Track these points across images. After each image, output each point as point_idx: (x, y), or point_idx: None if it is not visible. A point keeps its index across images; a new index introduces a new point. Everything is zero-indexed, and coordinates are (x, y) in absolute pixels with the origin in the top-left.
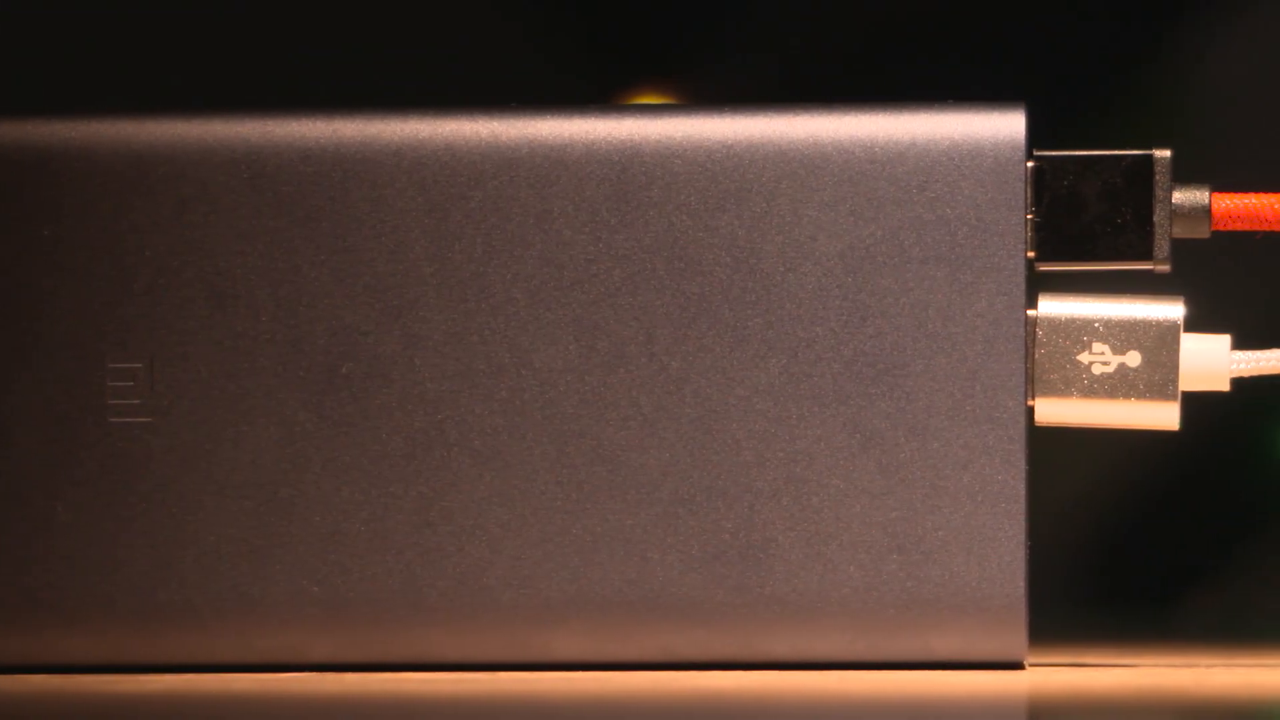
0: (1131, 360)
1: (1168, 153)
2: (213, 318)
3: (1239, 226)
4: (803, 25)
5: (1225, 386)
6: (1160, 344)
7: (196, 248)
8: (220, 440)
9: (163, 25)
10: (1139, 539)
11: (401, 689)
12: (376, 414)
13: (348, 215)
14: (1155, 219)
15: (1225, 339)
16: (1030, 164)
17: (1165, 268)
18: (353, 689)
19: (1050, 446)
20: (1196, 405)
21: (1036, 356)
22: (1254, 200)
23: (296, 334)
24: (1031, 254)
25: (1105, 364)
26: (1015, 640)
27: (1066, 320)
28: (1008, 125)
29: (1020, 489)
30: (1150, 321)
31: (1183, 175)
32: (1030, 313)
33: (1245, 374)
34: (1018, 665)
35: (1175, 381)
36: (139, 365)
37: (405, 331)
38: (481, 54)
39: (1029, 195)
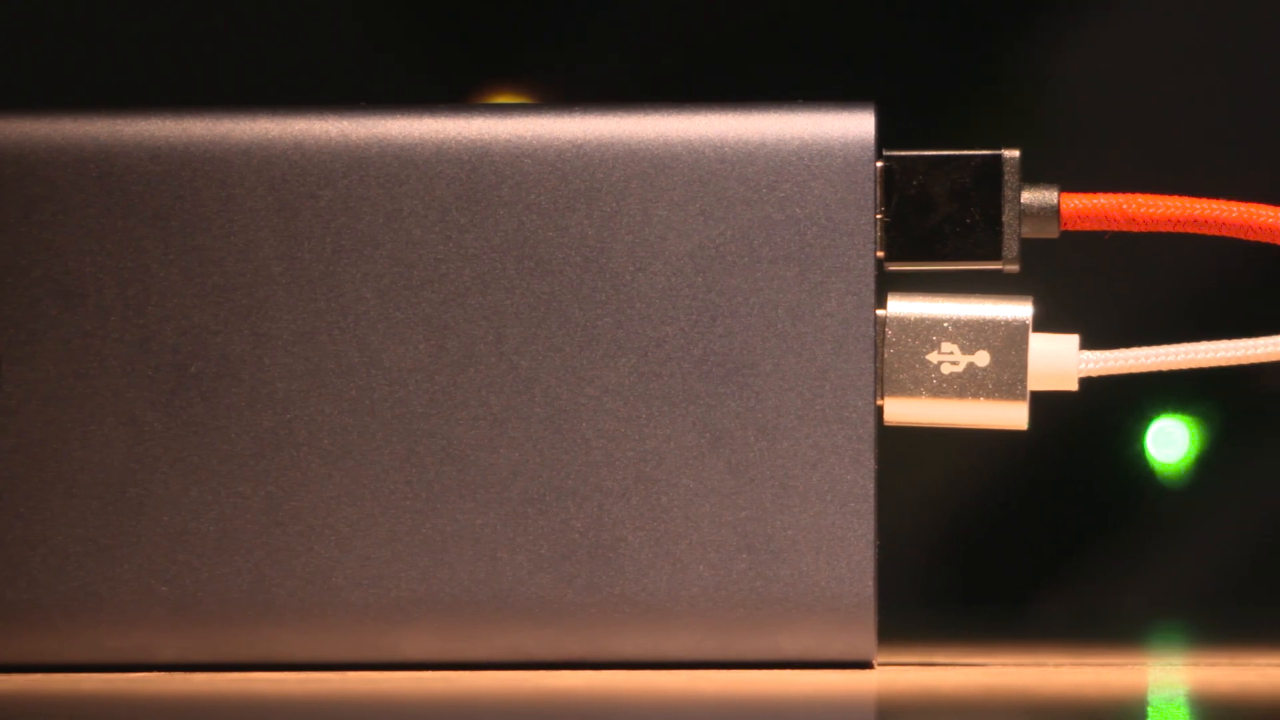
0: (980, 360)
1: (1016, 153)
2: (61, 317)
3: (1088, 226)
4: (654, 25)
5: (1074, 386)
6: (1009, 344)
7: (45, 247)
8: (68, 439)
9: (7, 23)
10: (989, 538)
11: (250, 689)
12: (225, 413)
13: (197, 214)
14: (1004, 219)
15: (1073, 339)
16: (880, 164)
17: (1014, 267)
18: (201, 689)
19: (901, 446)
20: (1045, 405)
21: (885, 356)
22: (1103, 200)
23: (145, 333)
24: (881, 254)
25: (954, 364)
26: (864, 639)
27: (915, 320)
28: (857, 125)
29: (869, 488)
30: (999, 321)
31: (1032, 175)
32: (879, 312)
33: (1093, 374)
34: (866, 665)
35: (1024, 381)
36: None
37: (254, 331)
38: (333, 53)
39: (878, 195)
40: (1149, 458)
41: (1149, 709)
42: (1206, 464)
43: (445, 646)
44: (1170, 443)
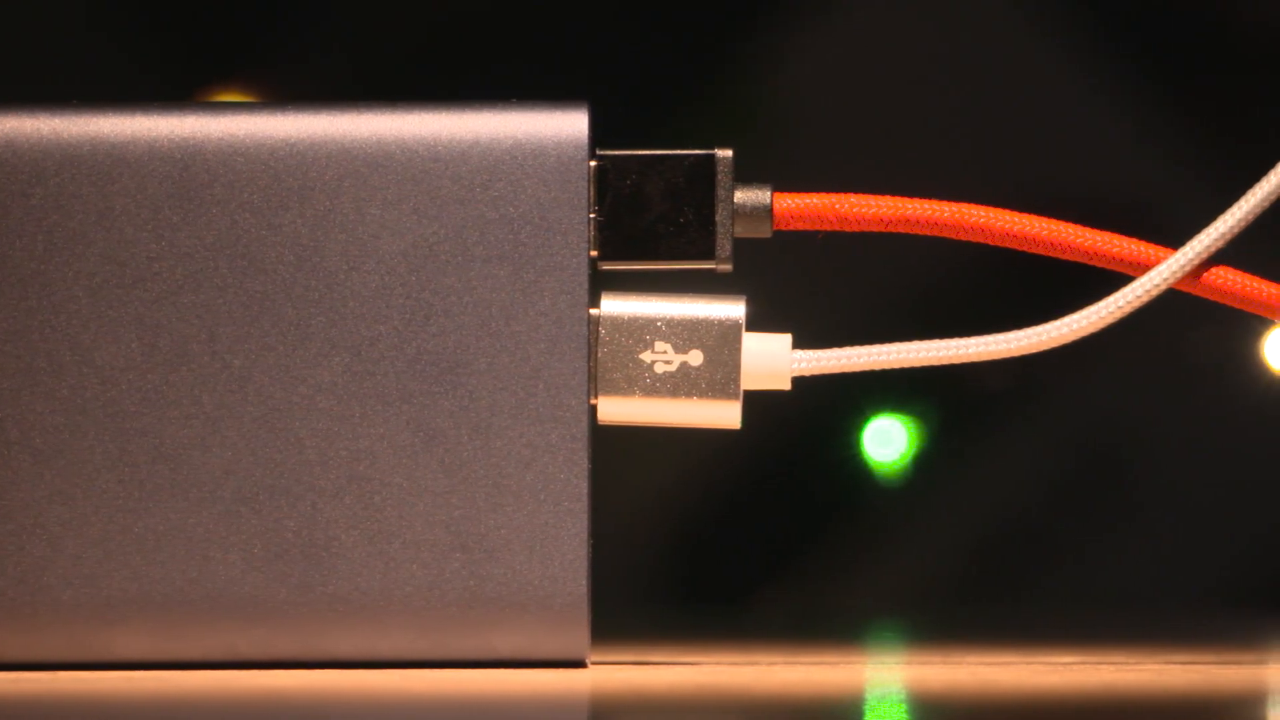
0: (694, 359)
1: (729, 152)
2: None
3: (801, 226)
4: (373, 24)
5: (786, 385)
6: (722, 343)
7: None
8: None
9: None
10: (707, 538)
11: None
12: None
13: None
14: (717, 218)
15: (786, 338)
16: (593, 163)
17: (727, 267)
18: None
19: (620, 445)
20: (765, 405)
21: (599, 355)
22: (815, 200)
23: None
24: (594, 253)
25: (668, 363)
26: (577, 639)
27: (629, 319)
28: (570, 125)
29: (583, 488)
30: (712, 320)
31: (745, 175)
32: (593, 311)
33: (806, 373)
34: (580, 664)
35: (737, 380)
36: None
37: None
38: (50, 48)
39: (592, 194)
40: (866, 457)
41: (859, 707)
42: (923, 463)
43: (157, 646)
44: (888, 442)
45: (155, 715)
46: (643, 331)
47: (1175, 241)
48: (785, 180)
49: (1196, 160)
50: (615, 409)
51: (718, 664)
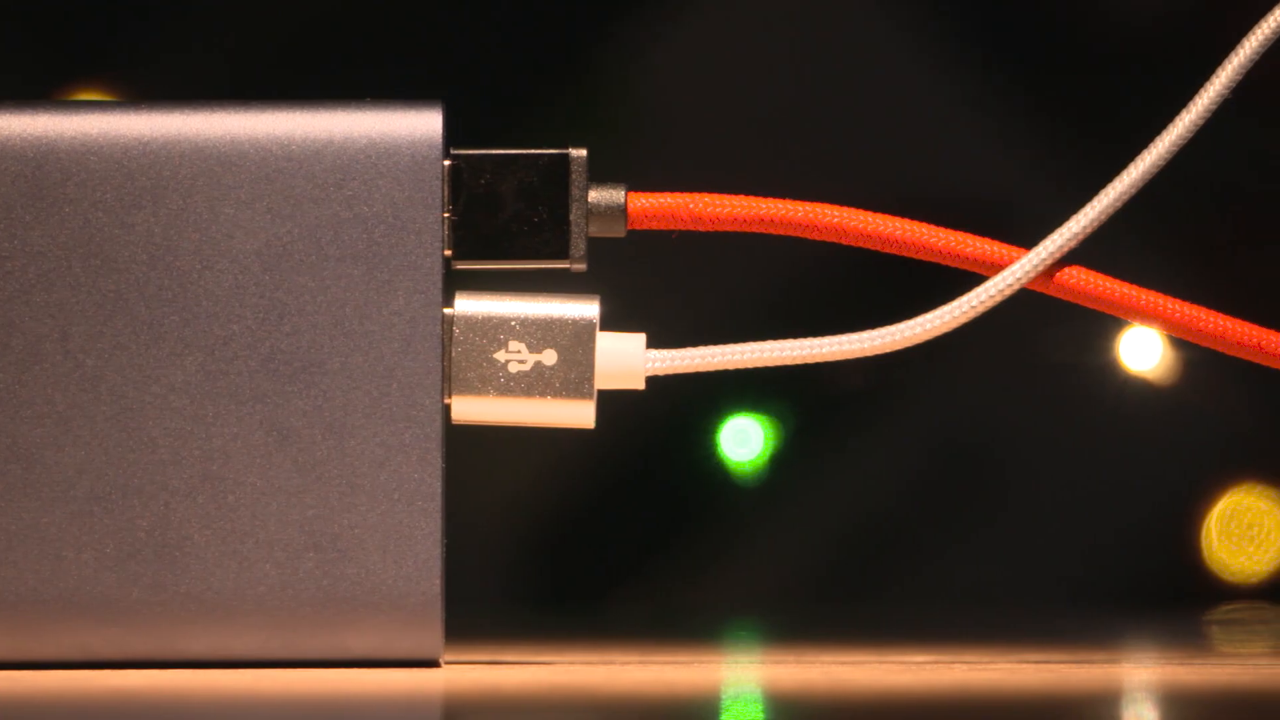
0: (548, 359)
1: (583, 152)
2: None
3: (655, 225)
4: (227, 23)
5: (640, 385)
6: (576, 342)
7: None
8: None
9: None
10: (565, 538)
11: None
12: None
13: None
14: (571, 218)
15: (640, 338)
16: (447, 163)
17: (581, 266)
18: None
19: (478, 445)
20: (625, 404)
21: (453, 355)
22: (669, 199)
23: None
24: (448, 252)
25: (522, 362)
26: (431, 638)
27: (483, 318)
28: (425, 124)
29: (437, 487)
30: (566, 320)
31: (599, 175)
32: (447, 311)
33: (660, 372)
34: (433, 663)
35: (591, 380)
36: None
37: None
38: None
39: (446, 193)
40: (724, 456)
41: (714, 706)
42: (780, 463)
43: (10, 645)
44: (745, 441)
45: (7, 716)
46: (497, 331)
47: (1029, 242)
48: (639, 180)
49: (1050, 161)
50: (469, 408)
51: (572, 663)
